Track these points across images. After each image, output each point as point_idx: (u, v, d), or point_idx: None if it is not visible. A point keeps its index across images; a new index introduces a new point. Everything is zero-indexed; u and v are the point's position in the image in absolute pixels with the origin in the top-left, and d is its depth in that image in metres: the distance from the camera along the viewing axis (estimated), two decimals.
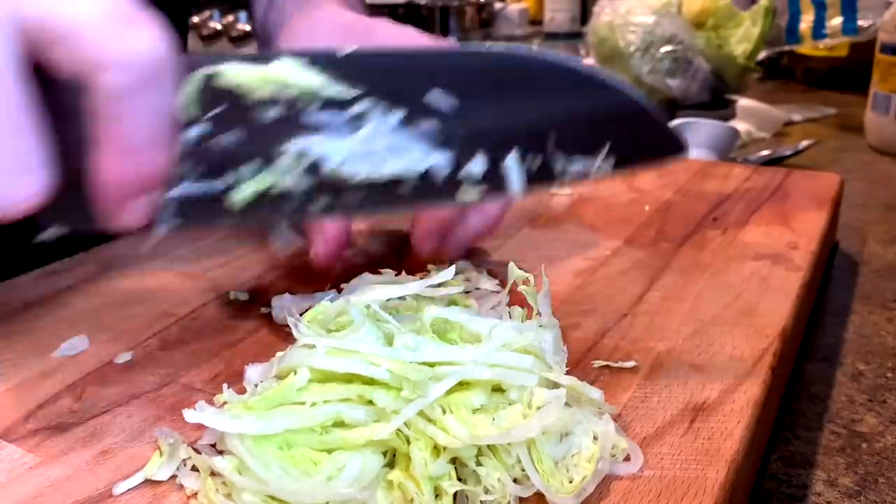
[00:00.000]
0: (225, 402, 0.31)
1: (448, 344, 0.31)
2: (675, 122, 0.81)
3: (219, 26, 1.93)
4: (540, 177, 0.28)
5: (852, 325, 0.51)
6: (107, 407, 0.34)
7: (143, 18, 0.26)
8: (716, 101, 1.03)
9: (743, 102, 1.02)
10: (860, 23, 1.06)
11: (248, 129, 0.28)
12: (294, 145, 0.28)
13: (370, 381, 0.29)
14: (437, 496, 0.27)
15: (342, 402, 0.29)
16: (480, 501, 0.28)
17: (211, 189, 0.28)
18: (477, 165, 0.27)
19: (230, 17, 1.91)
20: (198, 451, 0.30)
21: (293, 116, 0.28)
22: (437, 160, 0.27)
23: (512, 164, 0.27)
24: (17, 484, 0.29)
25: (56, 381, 0.35)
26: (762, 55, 1.11)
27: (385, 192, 0.28)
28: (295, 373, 0.29)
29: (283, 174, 0.28)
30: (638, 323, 0.39)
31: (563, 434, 0.29)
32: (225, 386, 0.31)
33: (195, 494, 0.28)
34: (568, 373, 0.32)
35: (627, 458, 0.29)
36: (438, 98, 0.28)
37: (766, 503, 0.36)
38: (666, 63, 1.01)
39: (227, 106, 0.28)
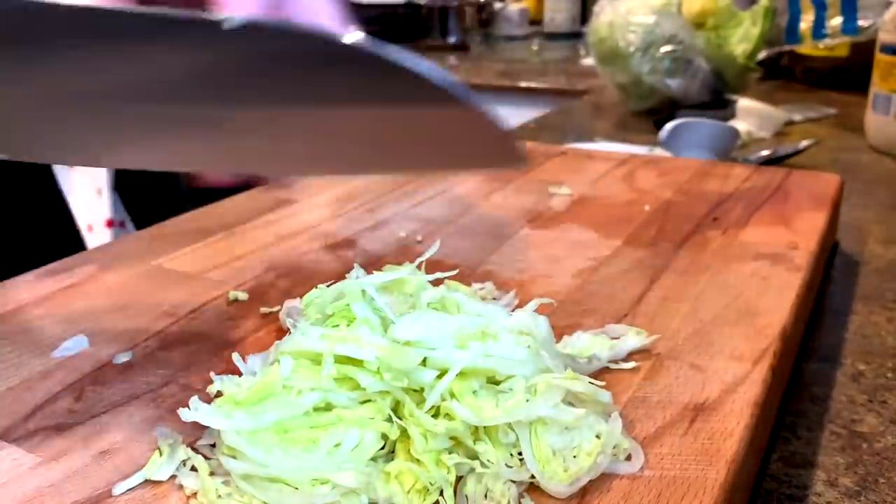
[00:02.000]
0: (219, 393, 0.31)
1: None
2: (675, 123, 0.81)
3: None
4: None
5: (852, 325, 0.51)
6: (106, 407, 0.34)
7: None
8: (716, 101, 1.03)
9: (743, 102, 1.02)
10: (860, 23, 1.06)
11: None
12: None
13: (358, 365, 0.29)
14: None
15: (333, 385, 0.29)
16: (483, 497, 0.28)
17: None
18: None
19: None
20: (197, 451, 0.30)
21: None
22: None
23: None
24: (17, 484, 0.29)
25: (56, 381, 0.35)
26: (762, 55, 1.11)
27: None
28: (279, 362, 0.30)
29: None
30: (638, 323, 0.39)
31: (566, 428, 0.29)
32: (213, 374, 0.31)
33: (195, 494, 0.28)
34: None
35: (629, 458, 0.29)
36: None
37: (767, 503, 0.35)
38: (666, 63, 1.01)
39: None
